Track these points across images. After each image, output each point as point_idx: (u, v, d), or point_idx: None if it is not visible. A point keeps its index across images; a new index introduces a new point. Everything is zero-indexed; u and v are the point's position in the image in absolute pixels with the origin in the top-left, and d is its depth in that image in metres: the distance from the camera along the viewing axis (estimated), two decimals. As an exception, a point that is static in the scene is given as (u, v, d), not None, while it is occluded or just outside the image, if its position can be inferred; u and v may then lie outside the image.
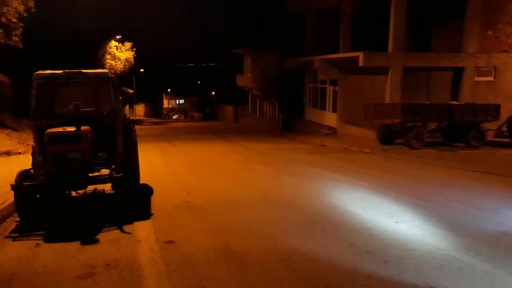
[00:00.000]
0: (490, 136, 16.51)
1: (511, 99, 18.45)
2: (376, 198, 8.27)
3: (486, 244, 5.77)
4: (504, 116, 16.52)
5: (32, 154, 7.45)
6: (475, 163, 12.33)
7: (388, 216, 7.09)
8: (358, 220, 6.91)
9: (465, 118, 15.63)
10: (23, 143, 14.90)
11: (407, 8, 18.35)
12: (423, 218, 6.95)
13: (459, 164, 12.20)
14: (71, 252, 5.62)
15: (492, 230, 6.33)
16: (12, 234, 6.44)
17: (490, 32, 19.02)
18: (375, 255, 5.39)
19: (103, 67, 28.22)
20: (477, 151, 14.92)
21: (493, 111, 15.90)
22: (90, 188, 8.05)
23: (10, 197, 7.23)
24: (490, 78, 18.92)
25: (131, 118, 20.62)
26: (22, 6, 16.14)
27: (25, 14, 16.39)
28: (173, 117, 58.94)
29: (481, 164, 12.18)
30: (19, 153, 13.21)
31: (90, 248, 5.77)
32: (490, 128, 16.57)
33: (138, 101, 61.81)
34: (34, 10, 16.82)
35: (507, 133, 16.56)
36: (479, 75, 18.86)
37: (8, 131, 16.45)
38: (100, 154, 7.12)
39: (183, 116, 60.40)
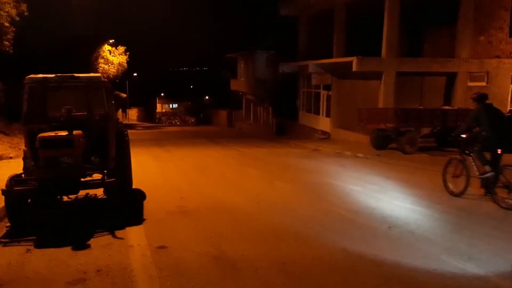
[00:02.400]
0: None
1: (503, 104, 18.55)
2: (369, 203, 8.27)
3: (479, 249, 5.78)
4: (496, 121, 16.61)
5: (24, 159, 7.40)
6: (467, 168, 12.37)
7: (381, 221, 7.09)
8: (351, 225, 6.90)
9: (459, 123, 15.68)
10: (14, 147, 14.77)
11: (400, 13, 18.46)
12: (416, 223, 6.96)
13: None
14: (62, 258, 5.56)
15: (485, 235, 6.35)
16: (2, 240, 6.37)
17: (482, 38, 19.17)
18: (368, 260, 5.38)
19: (96, 71, 28.13)
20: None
21: (486, 116, 15.98)
22: (82, 193, 7.98)
23: (0, 202, 7.13)
24: (483, 83, 19.03)
25: (124, 122, 20.55)
26: (15, 10, 16.04)
27: (17, 18, 16.28)
28: (177, 123, 57.64)
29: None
30: (10, 157, 13.09)
31: (82, 253, 5.71)
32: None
33: (131, 106, 61.49)
34: (26, 14, 16.72)
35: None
36: (472, 80, 18.97)
37: (-1, 135, 16.34)
38: (92, 158, 7.08)
39: (178, 120, 59.99)
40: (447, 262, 5.30)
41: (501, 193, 7.81)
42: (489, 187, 7.94)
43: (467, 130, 8.33)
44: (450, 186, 8.74)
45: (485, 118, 7.99)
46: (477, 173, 8.20)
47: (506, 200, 7.66)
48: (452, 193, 8.65)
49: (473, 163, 8.33)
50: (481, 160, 8.08)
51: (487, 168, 7.96)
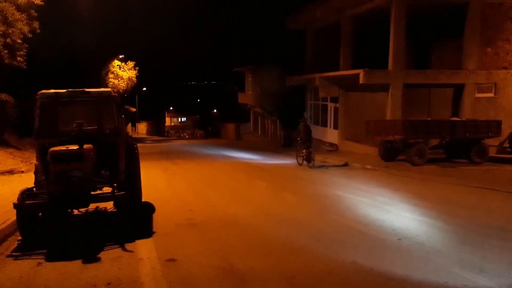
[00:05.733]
0: (492, 152, 16.47)
1: (511, 115, 18.49)
2: (378, 215, 8.23)
3: (491, 261, 5.73)
4: (505, 132, 16.52)
5: (35, 173, 7.48)
6: (477, 180, 12.29)
7: (391, 233, 7.05)
8: (361, 237, 6.86)
9: (467, 134, 15.61)
10: (26, 162, 14.93)
11: (407, 25, 18.54)
12: (426, 235, 6.91)
13: (462, 181, 12.15)
14: (72, 271, 5.59)
15: (496, 247, 6.28)
16: (14, 253, 6.41)
17: (489, 49, 19.15)
18: (379, 273, 5.34)
19: (106, 86, 28.47)
20: (479, 167, 14.87)
21: (495, 127, 15.90)
22: (92, 206, 8.04)
23: (12, 215, 7.22)
24: (491, 95, 18.98)
25: (133, 136, 20.70)
26: (27, 27, 16.36)
27: (30, 35, 16.60)
28: (186, 136, 57.65)
29: (484, 180, 12.13)
30: (22, 171, 13.22)
31: (92, 266, 5.74)
32: (492, 144, 16.55)
33: (140, 120, 62.07)
34: (39, 31, 17.04)
35: (509, 149, 16.53)
36: (480, 91, 18.92)
37: (11, 150, 16.52)
38: (102, 172, 7.14)
39: (186, 134, 60.03)
40: (459, 274, 5.24)
41: (313, 162, 15.60)
42: (307, 159, 15.80)
43: (298, 134, 16.36)
44: (298, 161, 16.41)
45: (303, 130, 16.03)
46: (303, 153, 15.96)
47: (310, 165, 15.55)
48: (299, 164, 16.21)
49: (303, 149, 15.96)
50: (302, 147, 16.04)
51: (305, 151, 15.83)
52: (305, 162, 15.83)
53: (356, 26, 21.81)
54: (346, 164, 16.39)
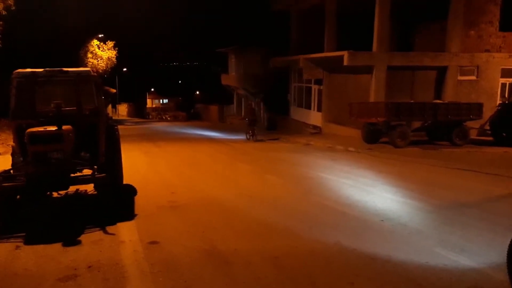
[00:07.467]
0: (473, 135, 16.72)
1: (493, 98, 18.74)
2: (361, 197, 8.28)
3: (470, 240, 5.83)
4: (486, 114, 16.74)
5: (12, 155, 7.28)
6: (458, 161, 12.47)
7: (373, 214, 7.11)
8: (344, 219, 6.90)
9: (449, 116, 15.77)
10: (2, 143, 14.58)
11: (391, 8, 18.48)
12: (408, 216, 6.99)
13: (443, 162, 12.32)
14: (52, 254, 5.49)
15: (476, 227, 6.39)
16: (-9, 237, 6.26)
17: (472, 32, 19.28)
18: (361, 253, 5.39)
19: (85, 66, 27.83)
20: (460, 149, 15.09)
21: (476, 109, 16.09)
22: (72, 188, 7.87)
23: (-12, 198, 7.01)
24: (473, 77, 19.18)
25: (113, 118, 20.34)
26: (1, 4, 15.77)
27: (4, 12, 16.01)
28: (168, 118, 56.77)
29: (465, 162, 12.31)
30: (-1, 153, 12.90)
31: (72, 249, 5.64)
32: (473, 126, 16.78)
33: (121, 101, 61.08)
34: (13, 8, 16.44)
35: (489, 132, 16.79)
36: (462, 74, 19.09)
37: (-13, 131, 16.09)
38: (82, 154, 6.97)
39: (168, 116, 59.23)
40: (440, 254, 5.32)
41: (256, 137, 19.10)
42: (252, 135, 19.14)
43: (246, 115, 20.50)
44: (247, 136, 19.36)
45: (250, 112, 19.84)
46: (250, 131, 19.35)
47: (254, 139, 18.96)
48: (247, 139, 19.18)
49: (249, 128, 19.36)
50: (249, 126, 19.41)
51: (251, 129, 19.23)
52: (251, 138, 19.24)
53: (341, 8, 21.66)
54: (277, 139, 19.86)
